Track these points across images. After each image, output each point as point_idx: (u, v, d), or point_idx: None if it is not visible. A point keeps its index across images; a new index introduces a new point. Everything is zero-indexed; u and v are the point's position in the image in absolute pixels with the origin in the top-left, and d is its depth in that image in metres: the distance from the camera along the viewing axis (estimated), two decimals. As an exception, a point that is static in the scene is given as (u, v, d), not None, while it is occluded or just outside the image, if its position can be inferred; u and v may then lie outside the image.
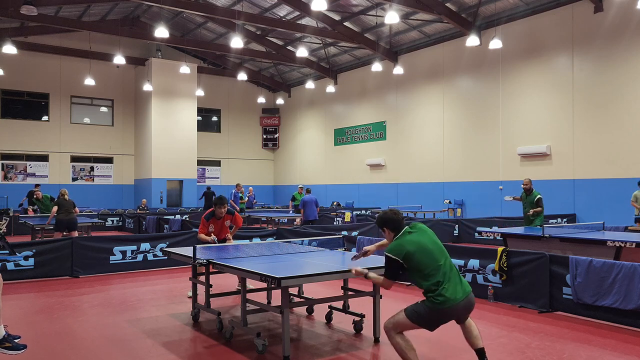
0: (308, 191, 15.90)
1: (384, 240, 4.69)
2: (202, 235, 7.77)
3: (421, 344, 5.36)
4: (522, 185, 11.17)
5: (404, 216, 4.33)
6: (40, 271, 9.27)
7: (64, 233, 12.08)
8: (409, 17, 19.19)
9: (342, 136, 25.55)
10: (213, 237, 7.73)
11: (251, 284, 7.75)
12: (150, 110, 24.87)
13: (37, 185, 16.51)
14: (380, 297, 5.55)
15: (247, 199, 20.45)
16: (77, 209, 12.81)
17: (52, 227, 12.56)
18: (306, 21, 20.58)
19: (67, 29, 22.12)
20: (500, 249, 7.35)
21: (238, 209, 18.20)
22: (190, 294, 7.79)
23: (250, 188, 21.23)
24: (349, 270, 4.91)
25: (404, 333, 4.17)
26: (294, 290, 6.63)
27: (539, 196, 10.86)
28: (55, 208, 12.19)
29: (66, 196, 12.47)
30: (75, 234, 12.27)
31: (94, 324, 6.24)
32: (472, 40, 17.19)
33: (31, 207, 17.42)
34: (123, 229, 19.68)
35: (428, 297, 4.09)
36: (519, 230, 9.98)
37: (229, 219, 7.94)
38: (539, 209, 10.78)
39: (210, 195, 21.52)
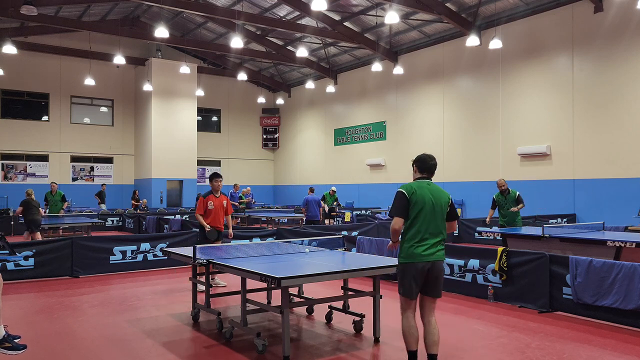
0: (311, 190, 15.86)
1: None
2: (200, 218, 8.28)
3: (421, 343, 5.36)
4: (500, 187, 11.08)
5: (434, 164, 4.63)
6: (40, 271, 9.27)
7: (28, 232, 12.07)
8: (409, 17, 19.19)
9: (342, 136, 25.55)
10: (207, 226, 8.19)
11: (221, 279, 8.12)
12: (150, 110, 24.87)
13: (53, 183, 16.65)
14: (381, 297, 5.55)
15: (249, 198, 20.63)
16: (41, 210, 12.71)
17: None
18: (306, 21, 20.58)
19: (67, 29, 22.12)
20: (500, 249, 7.35)
21: (237, 204, 18.85)
22: (218, 281, 8.09)
23: (248, 188, 21.23)
24: (351, 270, 5.04)
25: (411, 315, 4.45)
26: (294, 290, 6.63)
27: (518, 192, 10.94)
28: (20, 208, 12.14)
29: (33, 196, 12.43)
30: (38, 235, 12.20)
31: (94, 324, 6.24)
32: (472, 40, 17.20)
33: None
34: (123, 229, 19.68)
35: (402, 247, 4.44)
36: (519, 230, 9.98)
37: (225, 199, 8.47)
38: (522, 205, 10.82)
39: None
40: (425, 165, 4.58)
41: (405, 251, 4.42)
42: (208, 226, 8.20)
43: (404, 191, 4.44)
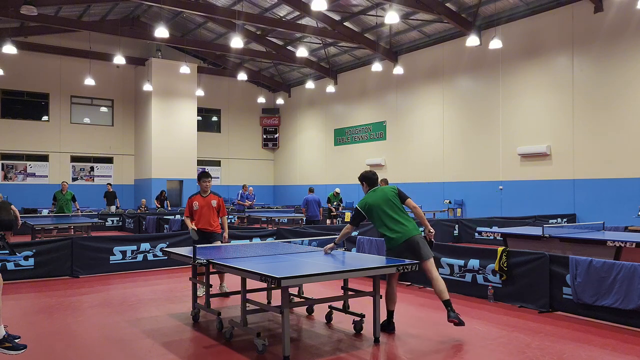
0: (311, 190, 15.86)
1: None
2: (186, 220, 7.80)
3: (422, 343, 5.36)
4: None
5: (377, 177, 6.07)
6: (40, 271, 9.26)
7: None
8: (409, 17, 19.19)
9: (342, 136, 25.55)
10: (192, 226, 7.66)
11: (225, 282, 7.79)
12: (150, 110, 24.87)
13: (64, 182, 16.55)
14: (380, 297, 5.55)
15: (253, 200, 20.94)
16: (14, 208, 12.39)
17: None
18: (306, 21, 20.58)
19: (67, 29, 22.13)
20: (500, 249, 7.35)
21: (246, 205, 19.39)
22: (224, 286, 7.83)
23: (250, 188, 21.29)
24: (351, 270, 5.12)
25: (394, 283, 5.79)
26: (294, 290, 6.63)
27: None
28: None
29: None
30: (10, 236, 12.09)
31: (94, 324, 6.24)
32: (472, 40, 17.20)
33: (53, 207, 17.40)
34: (123, 229, 19.67)
35: (386, 238, 5.73)
36: (519, 230, 9.98)
37: (216, 199, 7.77)
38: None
39: None
40: (374, 183, 6.01)
41: (386, 239, 5.78)
42: (193, 226, 7.66)
43: (358, 206, 5.90)
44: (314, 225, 14.65)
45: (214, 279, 7.19)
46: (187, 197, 7.97)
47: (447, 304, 5.48)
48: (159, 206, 22.18)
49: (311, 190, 15.92)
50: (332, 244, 6.11)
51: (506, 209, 17.67)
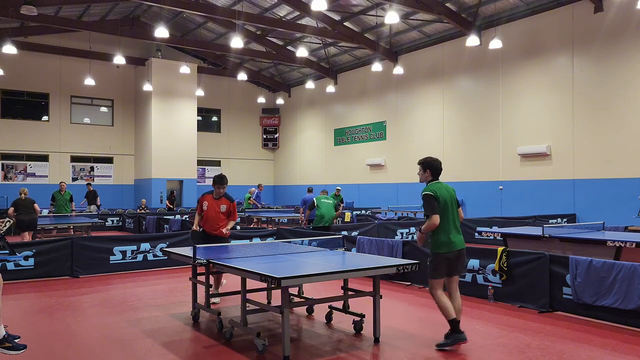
0: (310, 190, 15.85)
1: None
2: (196, 218, 7.71)
3: (422, 343, 5.36)
4: None
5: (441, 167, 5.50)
6: (40, 271, 9.27)
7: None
8: (409, 17, 19.19)
9: (342, 136, 25.55)
10: (195, 227, 7.62)
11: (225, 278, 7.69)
12: (150, 110, 24.87)
13: (62, 183, 16.35)
14: (380, 297, 5.55)
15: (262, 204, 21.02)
16: (37, 207, 12.39)
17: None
18: (306, 21, 20.57)
19: (67, 29, 22.12)
20: (500, 249, 7.35)
21: (260, 206, 19.39)
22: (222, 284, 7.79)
23: (253, 189, 21.20)
24: (351, 270, 5.12)
25: (441, 291, 5.27)
26: (294, 290, 6.63)
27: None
28: (11, 209, 12.04)
29: (23, 195, 12.24)
30: (30, 235, 12.06)
31: (94, 324, 6.24)
32: (472, 40, 17.19)
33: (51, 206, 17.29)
34: (123, 229, 19.67)
35: (434, 239, 5.25)
36: (519, 230, 9.98)
37: (226, 204, 7.50)
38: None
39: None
40: (438, 172, 5.45)
41: (438, 241, 5.25)
42: (196, 226, 7.55)
43: (431, 193, 5.25)
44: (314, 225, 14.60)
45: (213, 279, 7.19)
46: (199, 196, 7.79)
47: (454, 323, 5.21)
48: (171, 207, 22.03)
49: (310, 190, 15.93)
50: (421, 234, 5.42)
51: (506, 209, 17.67)
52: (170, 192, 23.30)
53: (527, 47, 17.32)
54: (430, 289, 5.34)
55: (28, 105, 24.41)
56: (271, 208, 24.64)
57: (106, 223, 19.25)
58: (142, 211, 20.81)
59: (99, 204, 19.58)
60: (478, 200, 18.87)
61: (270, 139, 30.52)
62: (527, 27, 17.31)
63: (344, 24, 20.67)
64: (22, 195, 12.27)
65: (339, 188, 18.46)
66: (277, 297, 6.65)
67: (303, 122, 28.49)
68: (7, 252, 6.11)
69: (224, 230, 7.45)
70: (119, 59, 20.58)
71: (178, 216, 18.01)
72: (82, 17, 23.10)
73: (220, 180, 7.42)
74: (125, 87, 26.55)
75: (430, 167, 5.42)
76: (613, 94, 15.17)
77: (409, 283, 8.58)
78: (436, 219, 5.14)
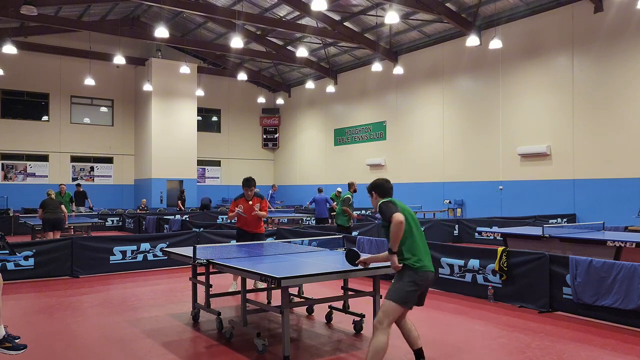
0: (320, 190, 16.00)
1: (380, 255, 4.66)
2: (230, 213, 8.06)
3: (423, 344, 5.35)
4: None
5: (391, 186, 4.69)
6: (40, 271, 9.27)
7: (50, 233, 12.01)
8: (409, 17, 19.19)
9: (342, 136, 25.55)
10: (237, 210, 7.86)
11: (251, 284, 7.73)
12: (150, 110, 24.87)
13: (62, 185, 16.33)
14: (380, 297, 5.54)
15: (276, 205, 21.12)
16: (63, 208, 12.56)
17: (41, 228, 12.45)
18: (306, 21, 20.57)
19: (67, 29, 22.11)
20: (500, 249, 7.35)
21: (274, 208, 19.25)
22: (234, 287, 7.83)
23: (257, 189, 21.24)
24: (351, 270, 5.02)
25: (391, 327, 4.29)
26: (294, 290, 6.63)
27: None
28: (40, 211, 12.11)
29: (52, 196, 12.42)
30: (58, 234, 12.12)
31: (94, 324, 6.24)
32: (472, 40, 17.19)
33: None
34: (123, 229, 19.67)
35: (407, 263, 4.25)
36: (519, 230, 9.98)
37: (259, 202, 8.04)
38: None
39: (206, 204, 22.48)
40: (387, 193, 4.65)
41: (413, 263, 4.27)
42: (240, 212, 7.82)
43: (387, 200, 4.47)
44: (321, 224, 14.80)
45: (214, 279, 7.18)
46: (232, 200, 8.15)
47: (419, 354, 4.54)
48: (182, 207, 21.99)
49: (320, 190, 16.04)
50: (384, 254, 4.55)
51: (506, 209, 17.67)
52: (180, 192, 23.27)
53: (527, 47, 17.32)
54: (383, 315, 4.24)
55: (28, 105, 24.41)
56: (271, 208, 24.67)
57: (106, 223, 19.24)
58: (142, 211, 20.81)
59: (91, 205, 19.44)
60: (478, 200, 18.88)
61: (270, 139, 30.52)
62: (527, 27, 17.31)
63: (344, 24, 20.67)
64: (52, 195, 12.39)
65: (339, 189, 18.46)
66: (277, 297, 6.65)
67: (303, 122, 28.49)
68: (7, 252, 6.12)
69: (259, 213, 7.93)
70: (119, 59, 20.58)
71: (178, 216, 18.02)
72: (82, 17, 23.10)
73: (247, 182, 7.95)
74: (125, 87, 26.55)
75: (375, 189, 4.71)
76: (613, 94, 15.17)
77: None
78: (399, 216, 4.18)
